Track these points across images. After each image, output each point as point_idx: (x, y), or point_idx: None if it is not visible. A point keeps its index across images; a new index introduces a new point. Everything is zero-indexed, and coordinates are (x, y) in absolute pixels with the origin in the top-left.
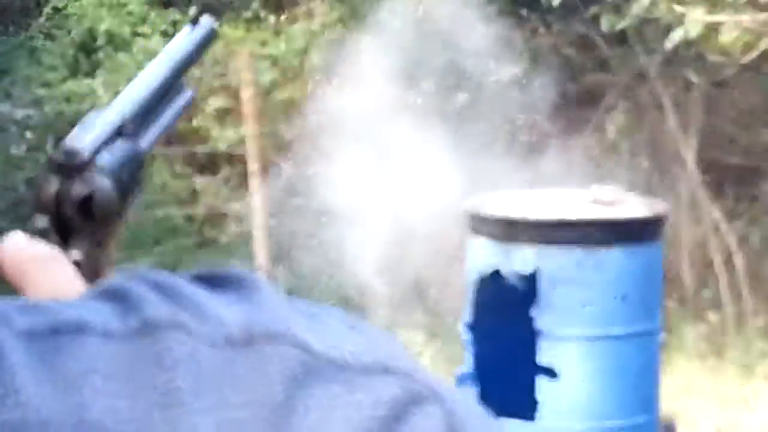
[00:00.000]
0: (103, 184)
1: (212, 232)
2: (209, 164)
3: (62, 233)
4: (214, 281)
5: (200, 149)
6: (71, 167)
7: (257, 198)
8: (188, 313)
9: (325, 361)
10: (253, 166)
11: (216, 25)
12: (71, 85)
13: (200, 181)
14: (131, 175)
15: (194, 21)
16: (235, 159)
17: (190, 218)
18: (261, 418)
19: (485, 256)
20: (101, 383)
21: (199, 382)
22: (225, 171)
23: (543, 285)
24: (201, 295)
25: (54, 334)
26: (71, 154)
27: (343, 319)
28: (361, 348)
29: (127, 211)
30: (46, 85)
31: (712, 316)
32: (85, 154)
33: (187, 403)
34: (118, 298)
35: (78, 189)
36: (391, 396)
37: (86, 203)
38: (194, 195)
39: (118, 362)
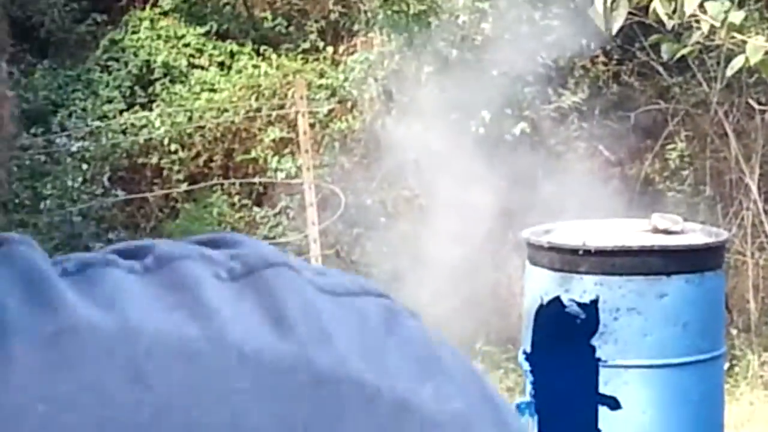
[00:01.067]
0: None
1: None
2: (268, 195)
3: None
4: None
5: (258, 180)
6: None
7: (315, 228)
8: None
9: (402, 313)
10: (310, 196)
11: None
12: (128, 117)
13: (258, 212)
14: None
15: None
16: (293, 189)
17: None
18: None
19: (545, 285)
20: (136, 299)
21: (221, 299)
22: (283, 201)
23: (603, 314)
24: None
25: (85, 268)
26: None
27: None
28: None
29: None
30: (103, 117)
31: None
32: None
33: (218, 312)
34: (224, 243)
35: None
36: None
37: None
38: (252, 226)
39: (146, 287)
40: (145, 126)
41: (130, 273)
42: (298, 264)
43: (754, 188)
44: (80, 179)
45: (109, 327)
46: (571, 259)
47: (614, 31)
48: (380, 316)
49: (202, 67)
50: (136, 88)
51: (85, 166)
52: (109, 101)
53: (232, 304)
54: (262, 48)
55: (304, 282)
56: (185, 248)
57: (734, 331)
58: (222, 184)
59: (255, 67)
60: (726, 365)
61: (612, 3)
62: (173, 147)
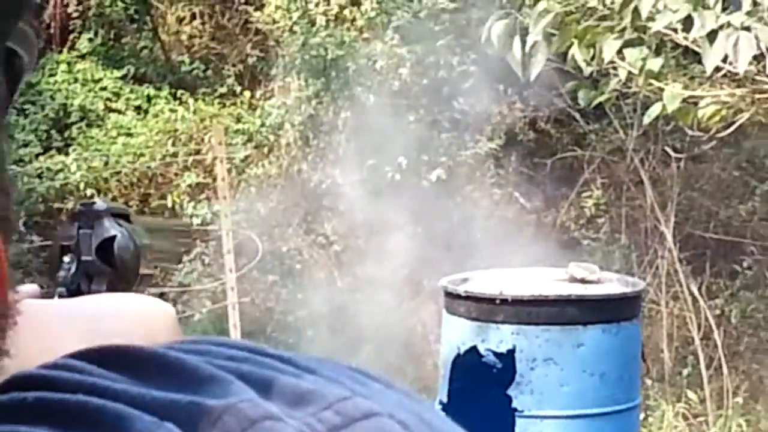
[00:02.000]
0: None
1: (186, 310)
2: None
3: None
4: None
5: (174, 225)
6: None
7: (232, 276)
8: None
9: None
10: (228, 243)
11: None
12: (44, 161)
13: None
14: None
15: None
16: (209, 236)
17: (162, 295)
18: None
19: (462, 334)
20: None
21: None
22: (199, 248)
23: (520, 364)
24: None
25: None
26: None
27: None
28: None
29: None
30: (19, 161)
31: (692, 394)
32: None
33: None
34: (204, 386)
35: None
36: None
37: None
38: (168, 272)
39: None
40: (61, 170)
41: None
42: (256, 406)
43: (669, 236)
44: None
45: None
46: (488, 308)
47: (532, 77)
48: None
49: (119, 111)
50: (53, 131)
51: None
52: (25, 145)
53: None
54: (179, 92)
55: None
56: (164, 428)
57: (649, 381)
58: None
59: (172, 111)
60: (641, 416)
61: (530, 49)
62: (89, 192)
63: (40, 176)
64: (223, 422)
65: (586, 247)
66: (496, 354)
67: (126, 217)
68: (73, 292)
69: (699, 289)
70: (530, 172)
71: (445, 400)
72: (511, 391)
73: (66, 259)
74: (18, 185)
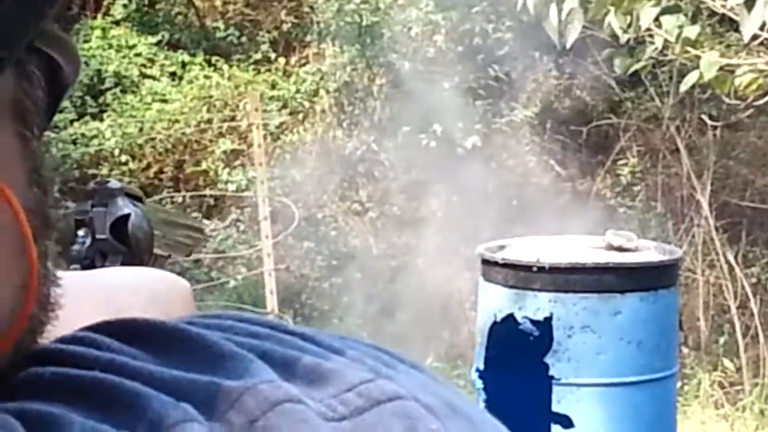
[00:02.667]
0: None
1: (221, 276)
2: (218, 207)
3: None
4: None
5: (209, 192)
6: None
7: (268, 243)
8: (302, 381)
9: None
10: (264, 210)
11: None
12: (78, 128)
13: (208, 225)
14: None
15: None
16: (244, 202)
17: (197, 262)
18: None
19: (499, 302)
20: None
21: None
22: (234, 214)
23: (557, 332)
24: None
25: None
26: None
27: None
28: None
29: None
30: (53, 127)
31: (728, 363)
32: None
33: None
34: (224, 365)
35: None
36: None
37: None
38: (204, 240)
39: None
40: (95, 137)
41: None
42: (294, 392)
43: (705, 205)
44: None
45: None
46: (525, 276)
47: (568, 44)
48: None
49: (154, 78)
50: (87, 98)
51: None
52: (60, 111)
53: None
54: (214, 58)
55: (311, 416)
56: (180, 408)
57: (685, 350)
58: (172, 197)
59: (207, 77)
60: (678, 384)
61: (566, 16)
62: (124, 158)
63: (74, 142)
64: (242, 404)
65: (622, 215)
66: (533, 321)
67: (140, 199)
68: (87, 268)
69: (735, 257)
70: (566, 140)
71: (481, 367)
72: (548, 359)
73: (80, 233)
74: (53, 151)
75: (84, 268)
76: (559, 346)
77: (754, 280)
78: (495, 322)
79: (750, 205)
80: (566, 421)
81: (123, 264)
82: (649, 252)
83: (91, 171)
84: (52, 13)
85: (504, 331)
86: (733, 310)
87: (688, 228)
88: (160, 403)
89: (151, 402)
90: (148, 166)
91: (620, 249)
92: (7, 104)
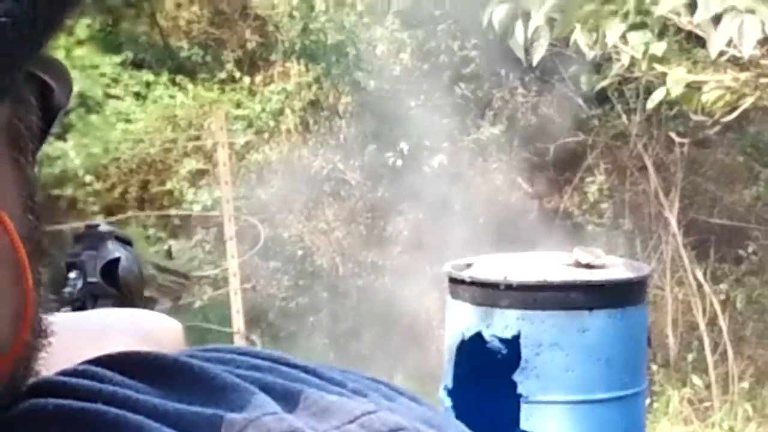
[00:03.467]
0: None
1: (187, 296)
2: (183, 227)
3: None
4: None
5: (174, 212)
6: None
7: (234, 262)
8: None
9: None
10: (230, 229)
11: None
12: (42, 148)
13: (174, 245)
14: None
15: None
16: (209, 222)
17: (163, 284)
18: None
19: (466, 320)
20: None
21: None
22: (200, 234)
23: (525, 349)
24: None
25: None
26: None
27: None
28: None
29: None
30: None
31: (697, 380)
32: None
33: None
34: (227, 397)
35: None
36: None
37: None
38: (168, 259)
39: None
40: (59, 157)
41: None
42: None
43: (673, 222)
44: None
45: None
46: (492, 294)
47: (534, 62)
48: None
49: (118, 97)
50: None
51: None
52: None
53: None
54: (179, 78)
55: None
56: (286, 421)
57: (654, 367)
58: (137, 216)
59: (171, 97)
60: (647, 401)
61: (532, 34)
62: (88, 178)
63: (38, 162)
64: None
65: (590, 232)
66: (501, 339)
67: (129, 243)
68: (78, 310)
69: (704, 274)
70: (533, 157)
71: (450, 385)
72: (516, 377)
73: (72, 275)
74: None
75: (75, 310)
76: (528, 364)
77: (722, 296)
78: (463, 340)
79: (718, 222)
80: None
81: (114, 306)
82: (618, 269)
83: (56, 192)
84: (50, 40)
85: (472, 349)
86: (702, 327)
87: (656, 245)
88: None
89: None
90: (113, 187)
91: (588, 266)
92: (3, 130)
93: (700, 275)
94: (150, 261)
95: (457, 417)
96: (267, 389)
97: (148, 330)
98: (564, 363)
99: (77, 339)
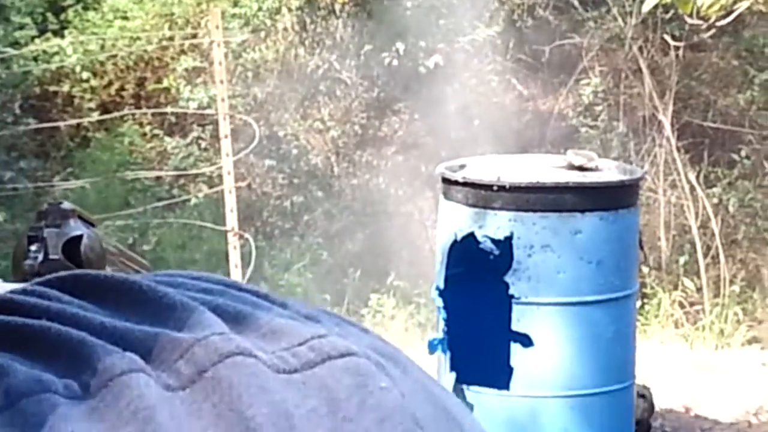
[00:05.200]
0: None
1: (182, 194)
2: (179, 125)
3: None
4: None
5: (170, 110)
6: None
7: (229, 160)
8: (250, 329)
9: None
10: (225, 128)
11: None
12: (40, 44)
13: (170, 142)
14: None
15: None
16: (205, 120)
17: (159, 179)
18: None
19: (459, 221)
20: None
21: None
22: (195, 132)
23: (517, 251)
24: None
25: (18, 399)
26: None
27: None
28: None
29: None
30: (14, 43)
31: (688, 283)
32: None
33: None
34: (175, 316)
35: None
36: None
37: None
38: (164, 156)
39: (85, 422)
40: (56, 53)
41: (66, 399)
42: (246, 341)
43: (667, 125)
44: None
45: None
46: (485, 195)
47: None
48: (350, 391)
49: None
50: (48, 14)
51: None
52: (21, 27)
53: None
54: None
55: (262, 368)
56: (126, 358)
57: (645, 269)
58: (134, 114)
59: None
60: (638, 303)
61: None
62: (85, 75)
63: (35, 59)
64: (192, 354)
65: (584, 134)
66: (493, 241)
67: (92, 224)
68: None
69: (697, 177)
70: (528, 60)
71: (442, 286)
72: (507, 278)
73: (32, 248)
74: (14, 68)
75: None
76: (519, 265)
77: (715, 200)
78: (455, 241)
79: (712, 125)
80: (526, 340)
81: None
82: (610, 171)
83: (53, 88)
84: None
85: (464, 250)
86: (695, 230)
87: (650, 148)
88: (106, 352)
89: (97, 351)
90: (110, 84)
91: (581, 168)
92: None
93: (693, 178)
94: (112, 243)
95: (449, 318)
96: (217, 311)
97: None
98: (555, 265)
99: None
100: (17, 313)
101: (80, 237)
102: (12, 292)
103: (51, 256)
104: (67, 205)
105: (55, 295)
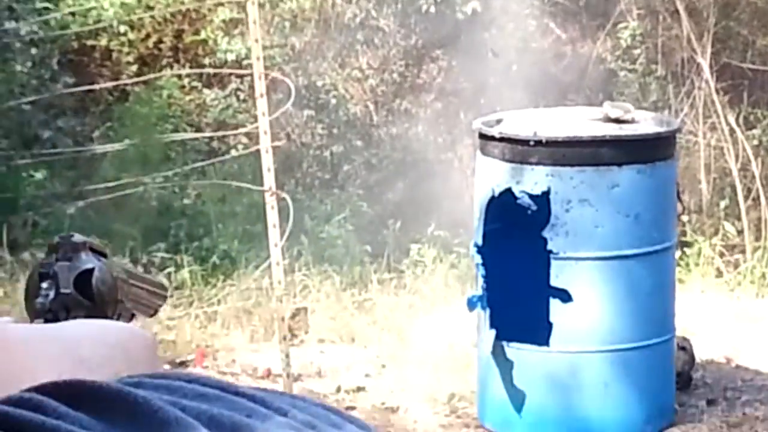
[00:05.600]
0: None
1: (222, 147)
2: (218, 77)
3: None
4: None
5: (208, 62)
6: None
7: (265, 120)
8: None
9: None
10: (259, 86)
11: None
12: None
13: (208, 94)
14: None
15: None
16: (243, 70)
17: (198, 131)
18: None
19: (496, 176)
20: None
21: None
22: (234, 84)
23: (555, 206)
24: None
25: None
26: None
27: None
28: None
29: None
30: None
31: (729, 227)
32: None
33: None
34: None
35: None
36: None
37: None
38: (203, 108)
39: None
40: (93, 8)
41: None
42: None
43: (705, 67)
44: (29, 64)
45: None
46: (522, 150)
47: None
48: None
49: None
50: None
51: (33, 51)
52: None
53: None
54: None
55: None
56: None
57: (685, 218)
58: (172, 66)
59: None
60: (677, 253)
61: None
62: (122, 29)
63: (72, 14)
64: None
65: (622, 78)
66: (530, 196)
67: (104, 255)
68: (50, 322)
69: (737, 119)
70: (566, 3)
71: (480, 242)
72: (545, 233)
73: (44, 285)
74: (51, 23)
75: (47, 321)
76: (557, 220)
77: (755, 142)
78: (493, 197)
79: (751, 66)
80: (565, 296)
81: (87, 318)
82: (647, 123)
83: (90, 42)
84: None
85: (502, 206)
86: (735, 173)
87: (689, 91)
88: None
89: None
90: (147, 36)
91: (617, 121)
92: None
93: (732, 121)
94: (122, 268)
95: (488, 275)
96: (212, 423)
97: (121, 340)
98: (593, 219)
99: (50, 349)
100: (14, 429)
101: (92, 270)
102: (5, 402)
103: (62, 290)
104: (78, 237)
105: (51, 407)
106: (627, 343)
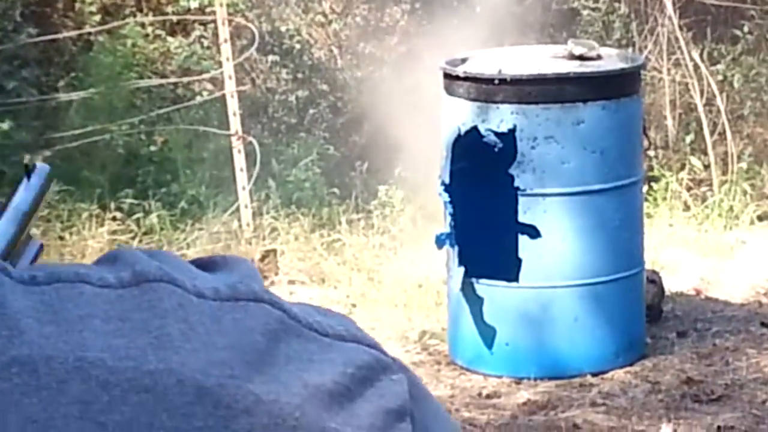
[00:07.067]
0: None
1: (187, 93)
2: (181, 24)
3: None
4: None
5: (171, 10)
6: None
7: (230, 65)
8: (177, 271)
9: (302, 325)
10: (222, 32)
11: (50, 170)
12: None
13: (172, 42)
14: None
15: (28, 171)
16: (206, 18)
17: (164, 77)
18: (244, 360)
19: (462, 115)
20: (100, 325)
21: (188, 328)
22: (198, 31)
23: (521, 143)
24: (188, 264)
25: (54, 282)
26: None
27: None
28: (334, 322)
29: None
30: None
31: (696, 161)
32: None
33: (177, 345)
34: (110, 260)
35: None
36: (362, 360)
37: None
38: (167, 56)
39: (114, 308)
40: None
41: (102, 288)
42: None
43: (668, 4)
44: None
45: (65, 357)
46: (487, 89)
47: None
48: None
49: None
50: None
51: None
52: None
53: (211, 326)
54: None
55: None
56: (166, 270)
57: (651, 153)
58: (135, 15)
59: None
60: (644, 187)
61: None
62: None
63: None
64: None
65: (585, 17)
66: (496, 134)
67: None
68: None
69: (701, 55)
70: None
71: (447, 181)
72: (512, 171)
73: None
74: None
75: None
76: (524, 158)
77: (720, 77)
78: (459, 136)
79: (714, 2)
80: (533, 232)
81: None
82: (611, 60)
83: None
84: None
85: (468, 145)
86: (700, 108)
87: (652, 28)
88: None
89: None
90: None
91: (582, 58)
92: None
93: (696, 56)
94: None
95: (455, 212)
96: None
97: None
98: (559, 155)
99: None
100: None
101: None
102: None
103: None
104: None
105: None
106: (596, 277)
